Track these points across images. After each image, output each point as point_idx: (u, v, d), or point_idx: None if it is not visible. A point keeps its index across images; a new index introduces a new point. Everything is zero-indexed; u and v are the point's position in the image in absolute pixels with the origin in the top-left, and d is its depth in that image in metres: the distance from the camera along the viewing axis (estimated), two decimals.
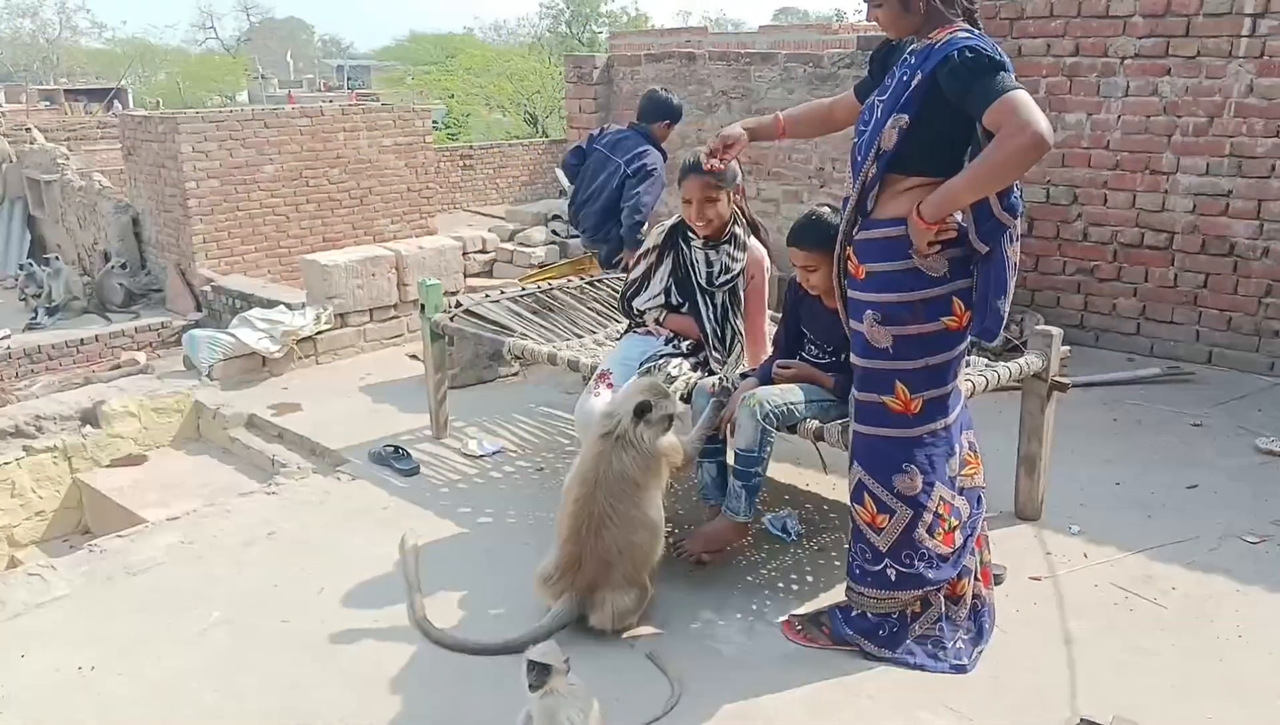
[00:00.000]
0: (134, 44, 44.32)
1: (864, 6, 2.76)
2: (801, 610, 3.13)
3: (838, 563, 3.44)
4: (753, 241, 3.60)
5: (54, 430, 5.06)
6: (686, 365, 3.53)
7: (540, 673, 2.33)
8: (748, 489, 3.15)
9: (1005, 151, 2.43)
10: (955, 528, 2.86)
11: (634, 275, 3.73)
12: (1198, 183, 5.36)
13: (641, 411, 2.98)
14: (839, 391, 3.15)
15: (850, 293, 2.82)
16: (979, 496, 2.98)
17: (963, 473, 2.89)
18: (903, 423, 2.77)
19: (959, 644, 2.90)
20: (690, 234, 3.56)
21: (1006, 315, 2.70)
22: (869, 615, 2.91)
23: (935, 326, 2.70)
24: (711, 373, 3.54)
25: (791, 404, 3.14)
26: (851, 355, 2.86)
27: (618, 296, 4.02)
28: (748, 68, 7.16)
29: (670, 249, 3.61)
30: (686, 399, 3.45)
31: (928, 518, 2.82)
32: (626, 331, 3.85)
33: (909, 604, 2.89)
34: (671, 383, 3.43)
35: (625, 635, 3.00)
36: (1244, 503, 3.85)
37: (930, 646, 2.88)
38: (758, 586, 3.31)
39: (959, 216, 2.66)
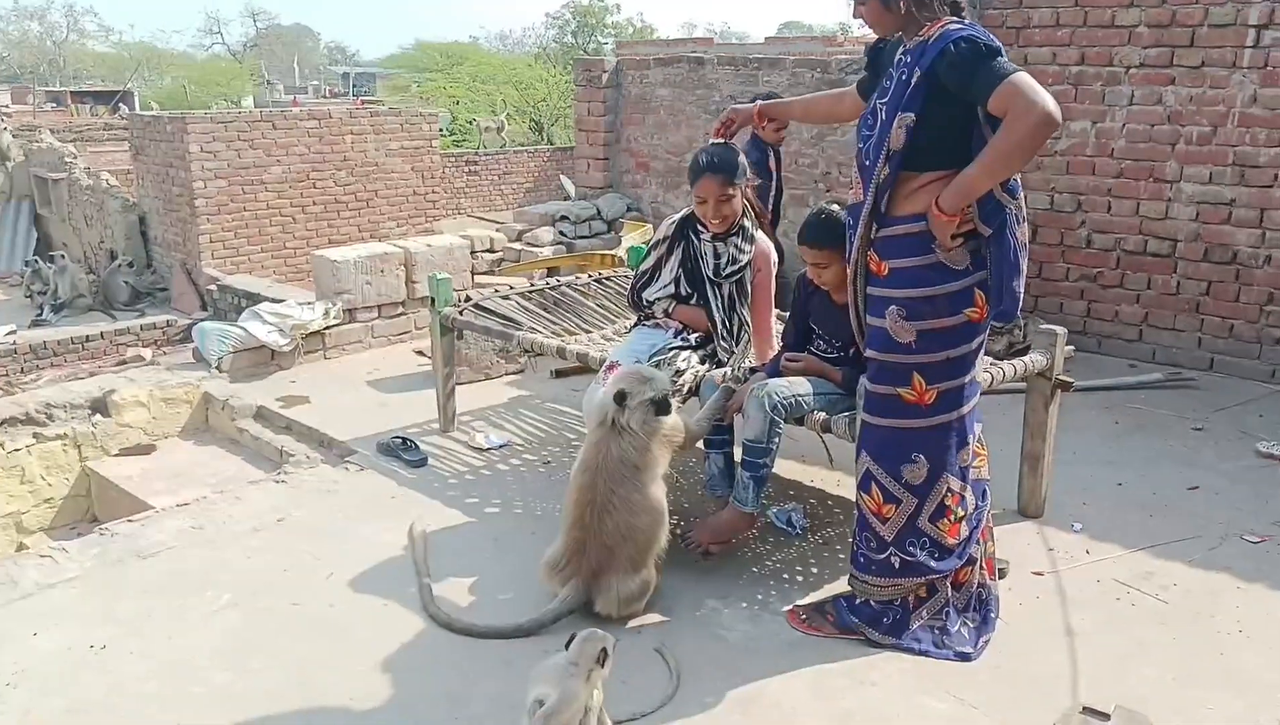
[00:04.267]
0: (141, 48, 44.54)
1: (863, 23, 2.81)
2: (805, 600, 3.15)
3: (842, 556, 3.47)
4: (759, 234, 3.65)
5: (64, 418, 5.09)
6: (695, 357, 3.57)
7: (604, 655, 2.33)
8: (755, 480, 3.19)
9: (1016, 134, 2.47)
10: (961, 518, 2.89)
11: (644, 267, 3.77)
12: (1201, 191, 5.41)
13: (620, 399, 3.02)
14: (847, 385, 3.19)
15: (871, 290, 2.83)
16: (984, 489, 3.01)
17: (973, 463, 2.92)
18: (915, 413, 2.79)
19: (963, 631, 2.93)
20: (700, 226, 3.60)
21: (1022, 295, 2.73)
22: (872, 603, 2.94)
23: (958, 319, 2.72)
24: (720, 364, 3.57)
25: (800, 396, 3.17)
26: (866, 349, 2.87)
27: (626, 290, 4.06)
28: (756, 73, 7.22)
29: (680, 241, 3.65)
30: (695, 391, 3.49)
31: (932, 507, 2.85)
32: (635, 325, 3.89)
33: (912, 591, 2.92)
34: (680, 376, 3.47)
35: (631, 622, 3.03)
36: (1245, 504, 3.88)
37: (935, 633, 2.91)
38: (762, 577, 3.34)
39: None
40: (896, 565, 2.88)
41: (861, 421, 2.92)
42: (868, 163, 2.77)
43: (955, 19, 2.64)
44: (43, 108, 25.01)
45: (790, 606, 3.11)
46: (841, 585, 3.24)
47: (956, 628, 2.92)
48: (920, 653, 2.88)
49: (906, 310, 2.72)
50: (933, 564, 2.87)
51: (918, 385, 2.76)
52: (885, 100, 2.73)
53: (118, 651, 2.95)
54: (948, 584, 2.94)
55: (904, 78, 2.66)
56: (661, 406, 3.05)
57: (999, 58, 2.52)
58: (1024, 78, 2.47)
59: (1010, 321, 2.77)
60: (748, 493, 3.21)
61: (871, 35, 2.98)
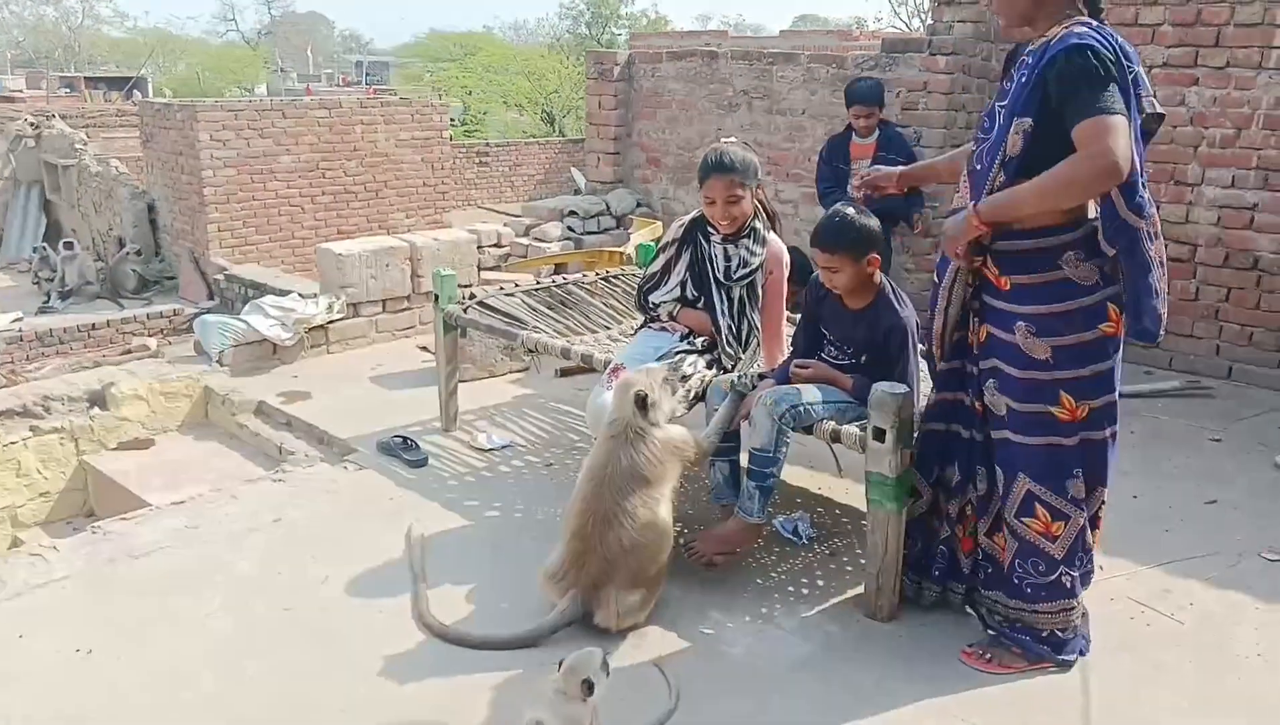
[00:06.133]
0: (155, 34, 44.58)
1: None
2: (973, 642, 2.94)
3: (849, 567, 3.39)
4: (772, 236, 3.56)
5: (61, 411, 5.04)
6: (701, 362, 3.49)
7: (588, 687, 2.27)
8: (762, 489, 3.10)
9: (1078, 170, 2.40)
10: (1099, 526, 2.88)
11: (652, 269, 3.69)
12: (1223, 195, 5.29)
13: (642, 403, 2.94)
14: (857, 393, 3.10)
15: (993, 301, 2.71)
16: None
17: None
18: (1070, 430, 2.68)
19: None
20: (710, 228, 3.51)
21: (1165, 315, 2.61)
22: (1058, 633, 2.83)
23: (1093, 334, 2.61)
24: (725, 371, 3.49)
25: (809, 404, 3.09)
26: (1005, 366, 2.71)
27: (634, 291, 3.97)
28: (770, 67, 7.11)
29: (689, 243, 3.57)
30: (701, 397, 3.41)
31: (1090, 518, 2.80)
32: (642, 326, 3.81)
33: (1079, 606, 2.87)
34: (686, 381, 3.39)
35: (631, 636, 2.95)
36: (1264, 519, 3.78)
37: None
38: (767, 589, 3.26)
39: (1092, 210, 2.58)
40: (1068, 585, 2.78)
41: (1006, 442, 2.75)
42: (979, 167, 2.67)
43: (1085, 22, 2.50)
44: (57, 93, 24.99)
45: (966, 647, 2.92)
46: (849, 599, 3.18)
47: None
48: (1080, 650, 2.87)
49: (1036, 326, 2.61)
50: (1092, 571, 2.86)
51: (1068, 403, 2.64)
52: (1004, 103, 2.62)
53: (107, 656, 2.88)
54: None
55: (1024, 80, 2.54)
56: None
57: (1107, 88, 2.38)
58: (1114, 121, 2.36)
59: (1152, 340, 2.64)
60: (754, 503, 3.12)
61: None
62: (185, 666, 2.83)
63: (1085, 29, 2.46)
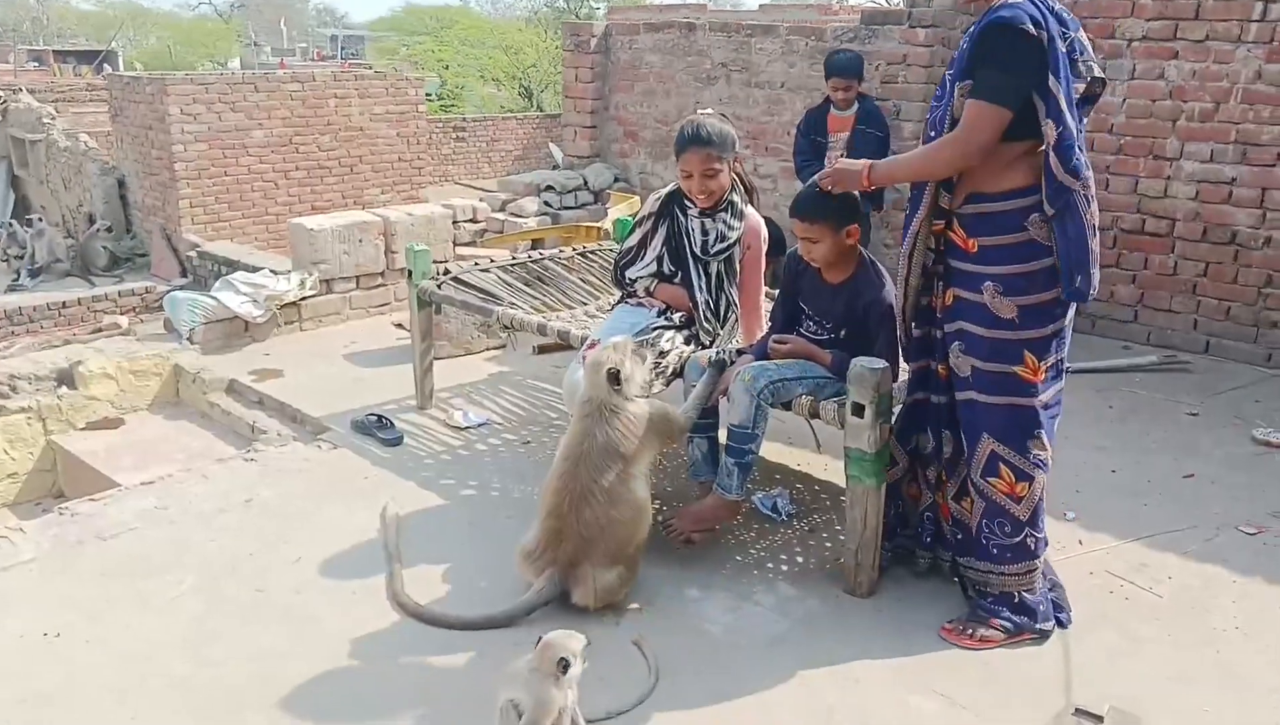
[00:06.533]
0: (125, 7, 43.75)
1: None
2: (951, 619, 2.93)
3: (829, 543, 3.37)
4: (749, 210, 3.51)
5: (29, 391, 4.94)
6: (679, 338, 3.44)
7: (564, 665, 2.23)
8: (740, 466, 3.07)
9: (941, 150, 2.63)
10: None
11: (629, 243, 3.63)
12: (1201, 169, 5.28)
13: (615, 378, 2.90)
14: (836, 369, 3.06)
15: (961, 265, 2.75)
16: None
17: None
18: (1032, 390, 2.73)
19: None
20: (687, 202, 3.46)
21: (1097, 277, 2.66)
22: (1024, 595, 2.86)
23: (1053, 294, 2.67)
24: (703, 346, 3.45)
25: (787, 380, 3.05)
26: (971, 326, 2.75)
27: (611, 267, 3.92)
28: (748, 40, 7.03)
29: (665, 217, 3.51)
30: (679, 373, 3.37)
31: (1048, 479, 2.84)
32: (619, 302, 3.75)
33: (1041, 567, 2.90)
34: (664, 357, 3.35)
35: (609, 614, 2.92)
36: (1241, 493, 3.79)
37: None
38: (746, 566, 3.23)
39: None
40: (1032, 545, 2.83)
41: (971, 403, 2.80)
42: (933, 134, 2.73)
43: None
44: (24, 67, 24.51)
45: (945, 624, 2.91)
46: (829, 574, 3.17)
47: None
48: (1060, 621, 2.92)
49: (1004, 286, 2.67)
50: (1046, 535, 2.90)
51: (1030, 362, 2.71)
52: (951, 70, 2.68)
53: (73, 639, 2.83)
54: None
55: (964, 46, 2.63)
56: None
57: (1007, 71, 2.51)
58: (988, 110, 2.52)
59: (1083, 301, 2.68)
60: (732, 479, 3.09)
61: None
62: (154, 650, 2.78)
63: (1018, 2, 2.51)
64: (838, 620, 2.95)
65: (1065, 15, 2.57)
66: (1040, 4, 2.52)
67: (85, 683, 2.65)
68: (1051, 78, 2.49)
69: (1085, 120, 2.64)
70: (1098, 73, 2.62)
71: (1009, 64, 2.49)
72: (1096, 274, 2.64)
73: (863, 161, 2.86)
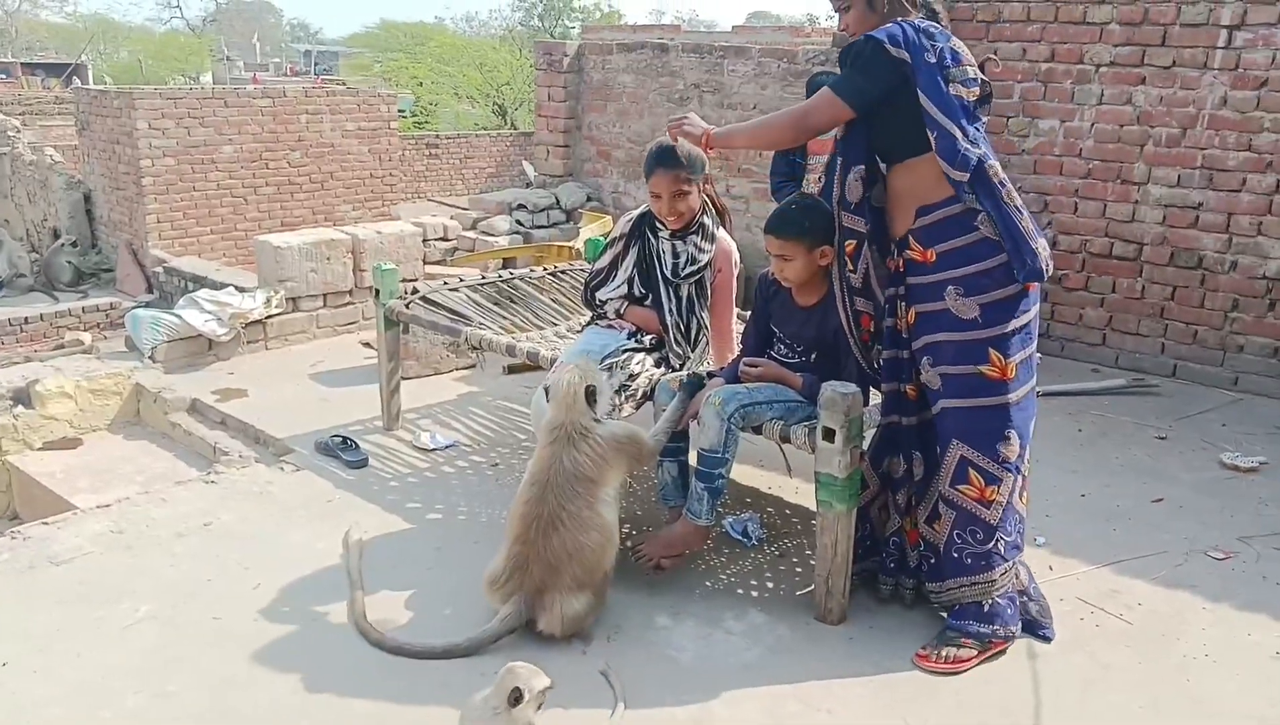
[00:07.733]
0: (96, 20, 43.41)
1: (835, 16, 2.92)
2: (927, 645, 2.89)
3: (799, 568, 3.34)
4: (721, 233, 3.49)
5: None
6: (649, 361, 3.41)
7: (516, 695, 2.19)
8: (710, 491, 3.03)
9: (778, 120, 2.90)
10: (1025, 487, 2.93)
11: (600, 265, 3.60)
12: (1168, 194, 5.33)
13: (592, 395, 2.88)
14: (807, 392, 3.04)
15: (921, 279, 2.80)
16: None
17: None
18: (1000, 389, 2.76)
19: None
20: (658, 224, 3.43)
21: (1045, 251, 2.72)
22: (989, 602, 2.86)
23: (1014, 288, 2.72)
24: (674, 369, 3.41)
25: (758, 403, 3.02)
26: (937, 335, 2.78)
27: (581, 286, 3.88)
28: (721, 61, 7.05)
29: (637, 239, 3.48)
30: (649, 396, 3.33)
31: (1021, 481, 2.85)
32: (589, 324, 3.71)
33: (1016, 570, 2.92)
34: (633, 379, 3.31)
35: (575, 642, 2.87)
36: (1210, 518, 3.79)
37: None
38: (716, 592, 3.19)
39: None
40: (1002, 550, 2.84)
41: (944, 412, 2.81)
42: (837, 135, 2.88)
43: (910, 22, 2.72)
44: None
45: (918, 652, 2.86)
46: (800, 599, 3.13)
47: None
48: (1043, 636, 2.95)
49: (964, 287, 2.73)
50: (1019, 540, 2.89)
51: (996, 360, 2.74)
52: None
53: (20, 669, 2.73)
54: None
55: None
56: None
57: (863, 73, 2.70)
58: (829, 99, 2.75)
59: (1041, 279, 2.72)
60: (702, 505, 3.05)
61: (839, 30, 3.03)
62: (106, 681, 2.69)
63: (897, 27, 2.69)
64: (809, 647, 2.91)
65: (934, 30, 2.72)
66: (908, 27, 2.69)
67: (31, 717, 2.55)
68: (921, 95, 2.66)
69: (985, 118, 2.81)
70: (978, 76, 2.76)
71: (866, 70, 2.70)
72: (1042, 247, 2.70)
73: (703, 126, 3.04)
